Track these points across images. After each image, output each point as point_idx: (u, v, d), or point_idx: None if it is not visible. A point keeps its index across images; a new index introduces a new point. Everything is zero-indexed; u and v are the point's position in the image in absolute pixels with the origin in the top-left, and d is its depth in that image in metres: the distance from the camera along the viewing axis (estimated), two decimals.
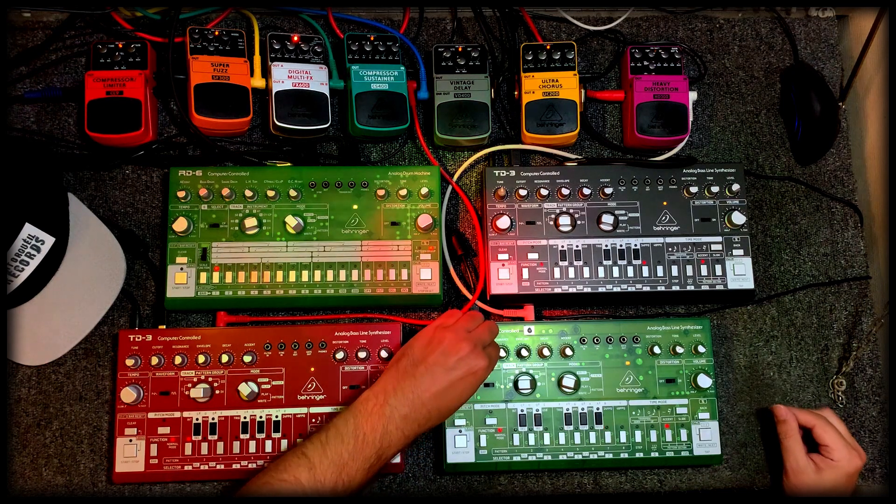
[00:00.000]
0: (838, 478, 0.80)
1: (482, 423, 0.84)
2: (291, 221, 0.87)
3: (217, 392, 0.84)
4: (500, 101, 0.96)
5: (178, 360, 0.84)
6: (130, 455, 0.83)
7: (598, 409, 0.85)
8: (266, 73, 0.91)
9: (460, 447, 0.84)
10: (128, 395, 0.83)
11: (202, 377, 0.84)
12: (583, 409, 0.85)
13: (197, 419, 0.83)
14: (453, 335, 0.75)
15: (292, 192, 0.88)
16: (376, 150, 0.95)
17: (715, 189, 0.90)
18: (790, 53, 1.00)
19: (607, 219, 0.89)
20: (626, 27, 0.99)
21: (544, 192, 0.89)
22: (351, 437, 0.71)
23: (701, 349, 0.87)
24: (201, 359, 0.84)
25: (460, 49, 0.93)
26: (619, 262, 0.88)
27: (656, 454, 0.85)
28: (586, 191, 0.90)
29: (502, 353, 0.85)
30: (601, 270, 0.88)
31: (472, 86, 0.92)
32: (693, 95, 0.93)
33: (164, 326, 0.87)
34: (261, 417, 0.84)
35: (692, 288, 0.88)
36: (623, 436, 0.85)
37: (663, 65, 0.93)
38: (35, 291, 0.85)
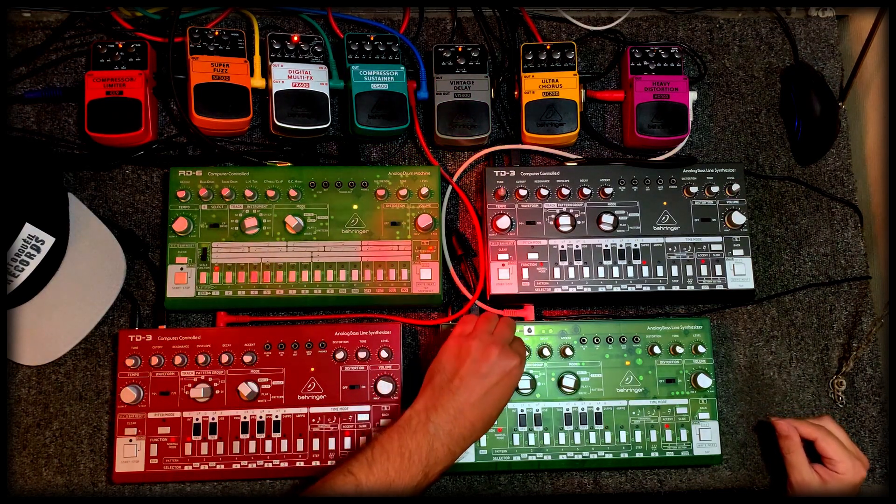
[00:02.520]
0: (844, 489, 0.80)
1: None
2: (291, 221, 0.87)
3: (217, 392, 0.84)
4: (500, 101, 0.96)
5: (178, 360, 0.84)
6: (130, 455, 0.83)
7: (598, 409, 0.85)
8: (266, 73, 0.91)
9: None
10: (128, 395, 0.83)
11: (202, 377, 0.84)
12: (583, 409, 0.85)
13: (197, 419, 0.83)
14: (478, 342, 0.76)
15: (292, 192, 0.88)
16: (376, 150, 0.95)
17: (715, 189, 0.90)
18: (790, 53, 1.00)
19: (607, 219, 0.89)
20: (626, 27, 0.99)
21: (544, 192, 0.89)
22: (396, 454, 0.70)
23: (701, 349, 0.87)
24: (201, 359, 0.84)
25: (460, 49, 0.93)
26: (619, 262, 0.88)
27: (656, 454, 0.85)
28: (586, 191, 0.90)
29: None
30: (601, 270, 0.88)
31: (472, 86, 0.92)
32: (693, 95, 0.93)
33: (164, 326, 0.87)
34: (261, 417, 0.84)
35: (692, 288, 0.88)
36: (623, 436, 0.85)
37: (663, 65, 0.93)
38: (35, 291, 0.85)
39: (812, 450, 0.82)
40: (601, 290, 0.88)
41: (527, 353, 0.84)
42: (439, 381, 0.75)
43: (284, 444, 0.83)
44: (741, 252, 0.89)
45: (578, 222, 0.89)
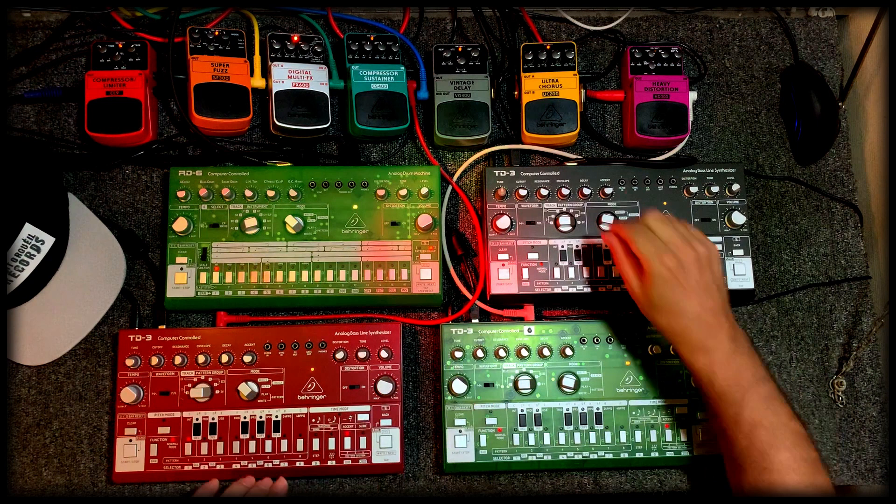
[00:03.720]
0: (662, 289, 0.73)
1: (482, 423, 0.84)
2: (291, 221, 0.87)
3: (217, 392, 0.84)
4: (500, 101, 0.96)
5: (178, 360, 0.84)
6: (130, 455, 0.83)
7: (598, 409, 0.85)
8: (266, 73, 0.91)
9: (460, 447, 0.84)
10: (128, 395, 0.83)
11: (202, 377, 0.84)
12: (583, 409, 0.85)
13: (197, 419, 0.83)
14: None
15: (292, 192, 0.88)
16: (376, 150, 0.95)
17: (715, 189, 0.90)
18: (790, 53, 1.00)
19: (607, 219, 0.89)
20: (626, 27, 0.99)
21: (544, 192, 0.89)
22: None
23: None
24: (201, 359, 0.84)
25: (460, 49, 0.93)
26: None
27: (656, 454, 0.84)
28: (586, 191, 0.90)
29: (502, 353, 0.85)
30: (601, 270, 0.88)
31: (472, 86, 0.92)
32: (693, 95, 0.93)
33: (164, 326, 0.87)
34: (261, 417, 0.84)
35: None
36: (623, 436, 0.85)
37: (663, 65, 0.93)
38: (35, 291, 0.85)
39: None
40: (601, 290, 0.87)
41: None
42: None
43: (284, 444, 0.83)
44: (741, 252, 0.89)
45: (578, 222, 0.89)
